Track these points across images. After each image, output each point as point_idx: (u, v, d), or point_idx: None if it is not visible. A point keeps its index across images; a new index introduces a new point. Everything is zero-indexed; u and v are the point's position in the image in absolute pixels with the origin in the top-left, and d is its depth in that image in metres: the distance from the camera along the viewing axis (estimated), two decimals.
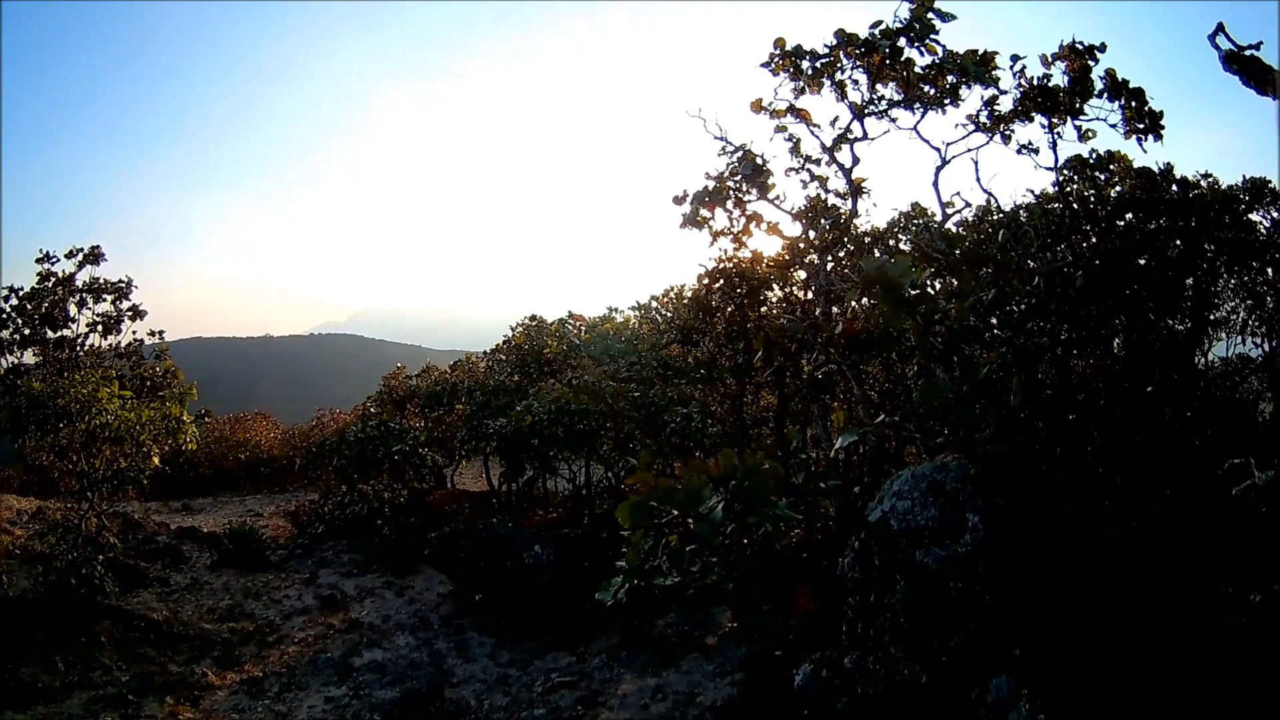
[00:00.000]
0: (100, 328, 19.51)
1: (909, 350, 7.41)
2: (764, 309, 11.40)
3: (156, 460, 12.55)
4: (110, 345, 19.71)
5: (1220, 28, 5.99)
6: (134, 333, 19.89)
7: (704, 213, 9.06)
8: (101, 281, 19.37)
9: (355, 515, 14.87)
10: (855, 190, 9.06)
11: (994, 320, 7.73)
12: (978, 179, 9.41)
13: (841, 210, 9.14)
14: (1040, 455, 9.28)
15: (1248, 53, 5.76)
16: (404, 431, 15.32)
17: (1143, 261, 10.36)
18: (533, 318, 18.25)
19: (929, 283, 9.86)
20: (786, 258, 10.14)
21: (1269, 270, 14.05)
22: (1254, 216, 13.65)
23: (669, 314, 14.78)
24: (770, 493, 5.21)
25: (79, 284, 19.13)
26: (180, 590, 12.96)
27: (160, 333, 20.06)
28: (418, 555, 13.46)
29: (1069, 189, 10.15)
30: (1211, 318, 13.06)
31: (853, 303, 8.45)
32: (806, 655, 9.23)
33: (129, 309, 19.48)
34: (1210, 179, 13.11)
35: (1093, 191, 10.36)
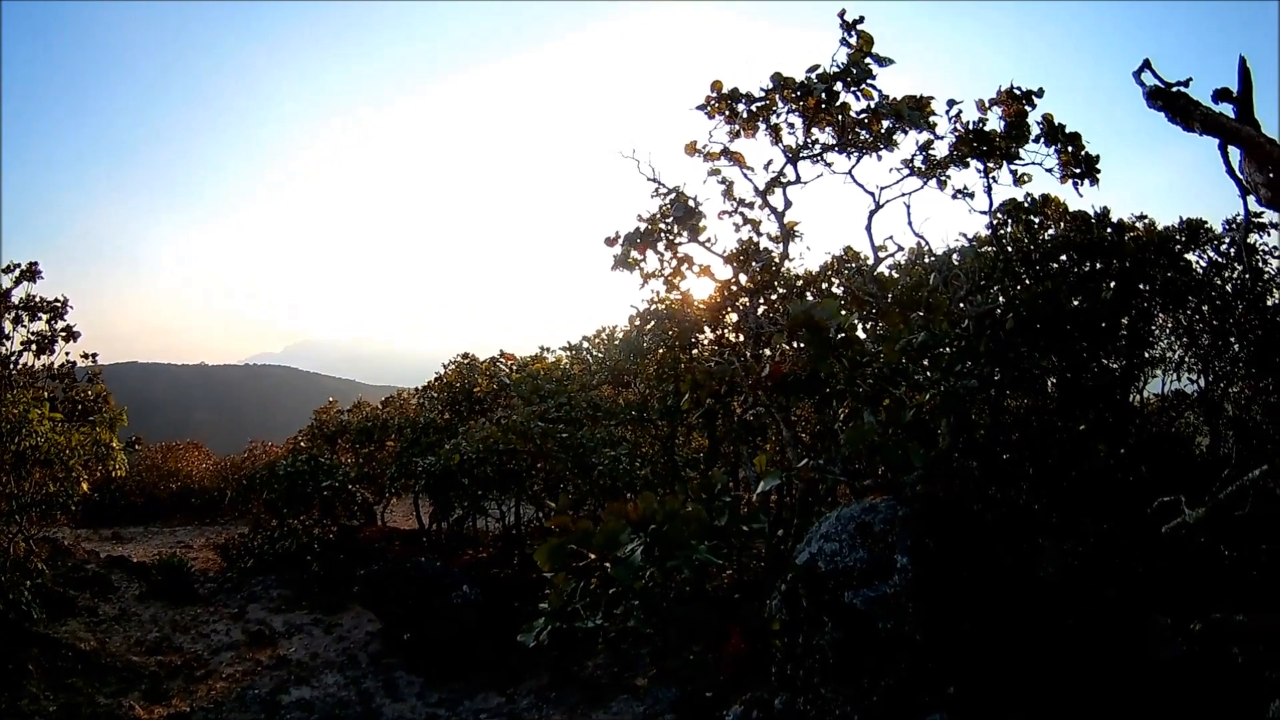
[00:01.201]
0: (34, 347, 18.83)
1: (838, 392, 7.37)
2: (695, 351, 11.36)
3: (85, 486, 12.21)
4: (44, 365, 19.04)
5: (1146, 64, 6.06)
6: (66, 354, 19.22)
7: (635, 254, 9.00)
8: (37, 299, 18.71)
9: (285, 550, 14.59)
10: (787, 233, 9.06)
11: (923, 363, 7.73)
12: (909, 223, 9.50)
13: (773, 253, 9.13)
14: (973, 494, 9.30)
15: (1174, 89, 5.82)
16: (334, 467, 15.08)
17: (1076, 303, 10.50)
18: (465, 355, 18.12)
19: (861, 325, 9.94)
20: (718, 300, 10.11)
21: (1204, 309, 14.38)
22: (1190, 257, 14.00)
23: (600, 355, 14.53)
24: (691, 536, 5.14)
25: (15, 301, 18.46)
26: (109, 620, 12.68)
27: (94, 355, 19.38)
28: (347, 592, 13.23)
29: (1003, 233, 10.27)
30: (1147, 355, 13.31)
31: (781, 345, 8.41)
32: (737, 697, 9.11)
33: (63, 329, 18.82)
34: (1146, 220, 13.39)
35: (1027, 235, 10.49)
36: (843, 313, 6.37)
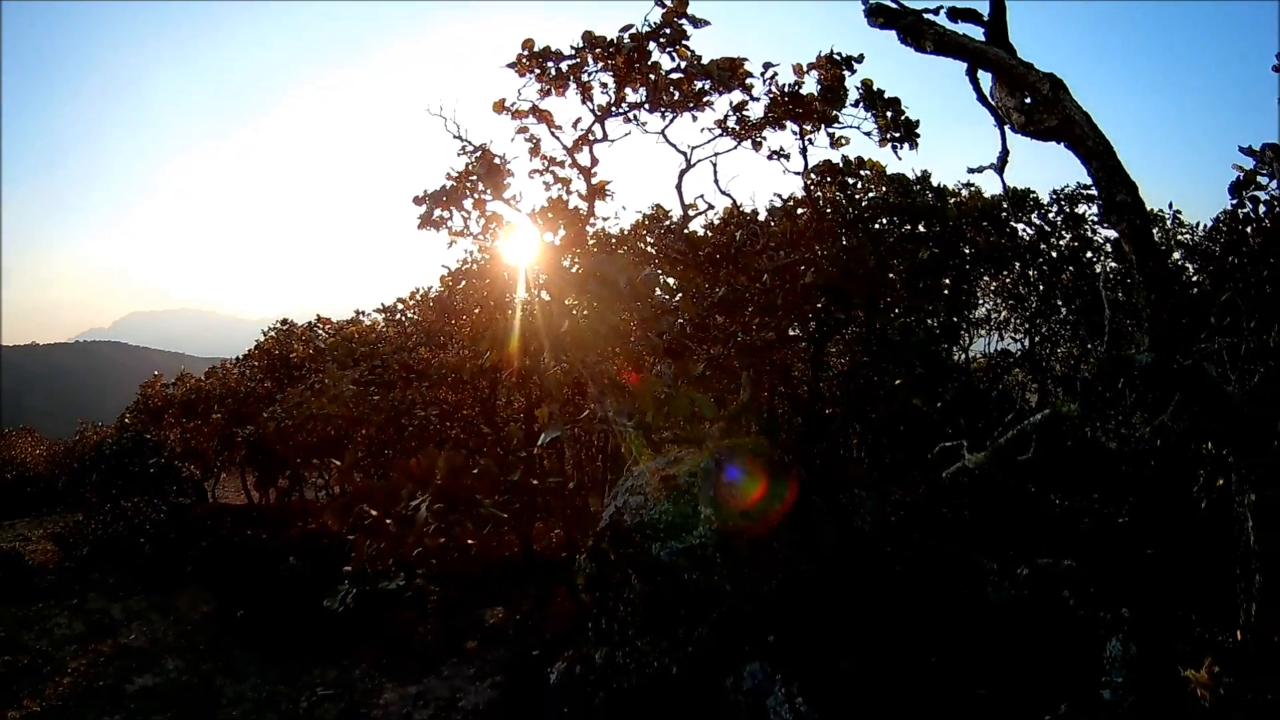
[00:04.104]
0: None
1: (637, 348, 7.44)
2: (511, 311, 11.22)
3: None
4: None
5: None
6: None
7: (440, 213, 8.88)
8: None
9: (118, 534, 14.01)
10: (594, 192, 9.08)
11: (721, 317, 7.88)
12: (715, 181, 9.62)
13: (581, 211, 9.15)
14: (786, 446, 9.58)
15: (901, 6, 5.60)
16: (158, 444, 14.52)
17: (896, 263, 10.87)
18: (284, 322, 17.53)
19: (667, 281, 10.07)
20: (529, 259, 10.05)
21: (1031, 273, 15.15)
22: (1017, 224, 14.71)
23: (415, 316, 14.51)
24: (479, 491, 5.11)
25: None
26: None
27: None
28: (181, 573, 12.90)
29: (818, 194, 10.53)
30: (971, 316, 13.94)
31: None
32: (561, 654, 9.20)
33: None
34: (972, 188, 14.00)
35: (844, 196, 10.79)
36: (632, 266, 6.39)
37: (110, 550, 14.33)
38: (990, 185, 14.89)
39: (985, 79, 5.78)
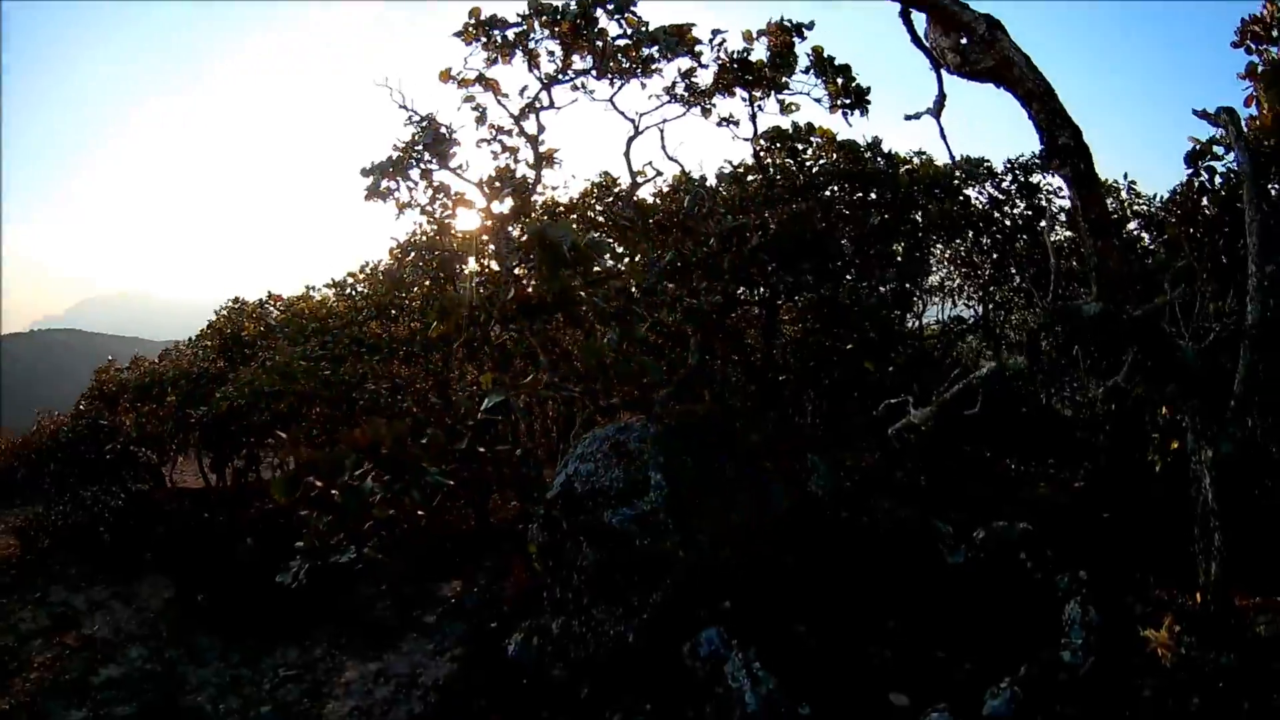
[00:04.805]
0: None
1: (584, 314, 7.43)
2: (460, 282, 11.29)
3: None
4: None
5: None
6: None
7: (387, 183, 8.83)
8: None
9: (78, 524, 13.86)
10: (541, 160, 9.06)
11: (669, 283, 7.89)
12: (663, 148, 9.65)
13: (528, 179, 9.13)
14: (739, 412, 9.66)
15: None
16: (114, 429, 14.37)
17: (847, 229, 10.94)
18: (235, 300, 17.44)
19: (615, 249, 10.08)
20: (477, 229, 10.06)
21: (985, 241, 15.31)
22: (970, 192, 14.83)
23: (366, 290, 14.45)
24: (426, 459, 5.06)
25: None
26: None
27: None
28: (141, 560, 12.80)
29: (767, 161, 10.58)
30: (925, 284, 14.09)
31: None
32: (519, 625, 9.24)
33: None
34: (924, 155, 14.09)
35: (794, 163, 10.84)
36: (575, 229, 6.38)
37: (71, 541, 14.20)
38: (942, 154, 14.88)
39: (920, 20, 5.68)
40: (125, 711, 9.82)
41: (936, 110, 5.43)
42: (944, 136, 5.26)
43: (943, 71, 5.72)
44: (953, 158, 5.52)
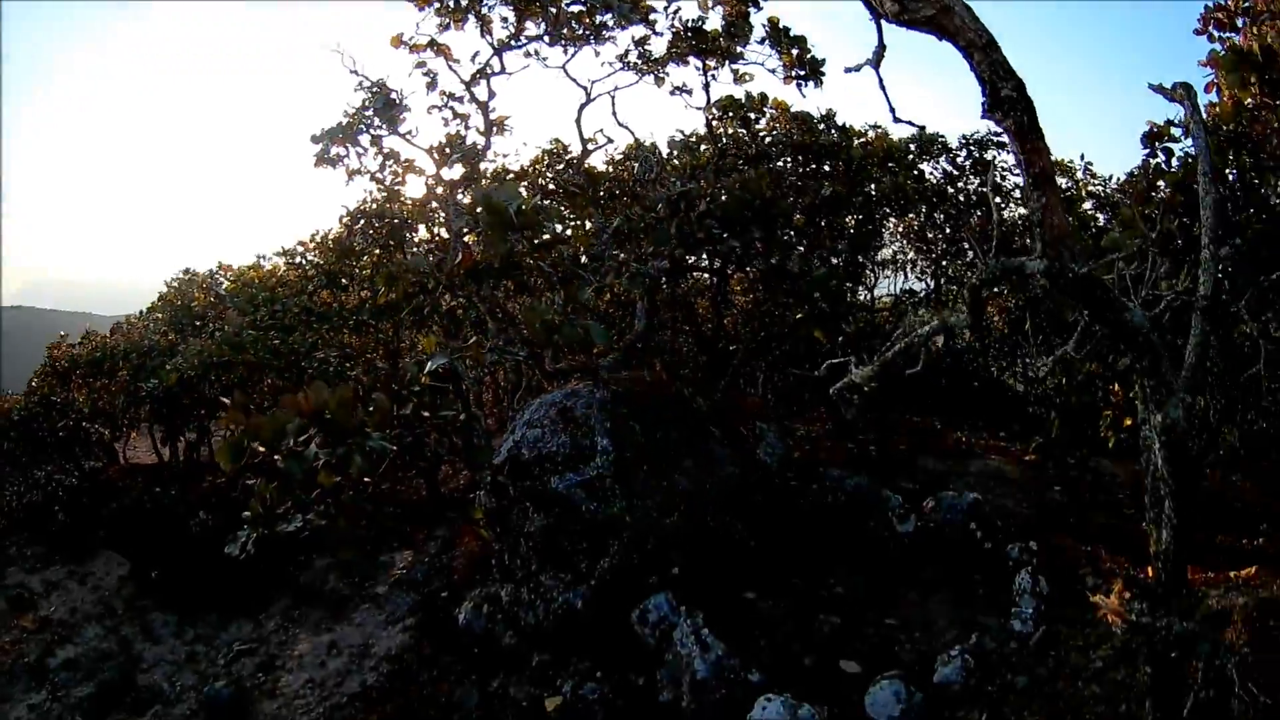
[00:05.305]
0: None
1: (530, 279, 7.45)
2: (410, 249, 11.27)
3: None
4: None
5: None
6: None
7: (336, 149, 8.75)
8: None
9: (32, 503, 13.68)
10: (491, 126, 9.02)
11: (617, 250, 7.91)
12: (614, 114, 9.64)
13: (479, 146, 9.09)
14: (688, 380, 9.72)
15: None
16: (66, 405, 14.16)
17: (798, 200, 11.00)
18: (185, 271, 17.21)
19: (565, 214, 10.10)
20: (427, 196, 10.00)
21: (938, 216, 15.47)
22: (925, 167, 14.95)
23: (316, 259, 14.41)
24: (370, 425, 5.01)
25: None
26: None
27: None
28: (95, 538, 12.69)
29: (720, 130, 10.60)
30: (876, 257, 14.24)
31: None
32: (469, 594, 9.27)
33: None
34: (879, 129, 14.18)
35: (747, 133, 10.88)
36: (523, 194, 6.35)
37: (26, 521, 14.06)
38: (898, 129, 15.01)
39: None
40: (83, 692, 9.91)
41: (876, 61, 5.37)
42: (883, 88, 5.23)
43: (882, 21, 5.65)
44: (892, 110, 5.49)
